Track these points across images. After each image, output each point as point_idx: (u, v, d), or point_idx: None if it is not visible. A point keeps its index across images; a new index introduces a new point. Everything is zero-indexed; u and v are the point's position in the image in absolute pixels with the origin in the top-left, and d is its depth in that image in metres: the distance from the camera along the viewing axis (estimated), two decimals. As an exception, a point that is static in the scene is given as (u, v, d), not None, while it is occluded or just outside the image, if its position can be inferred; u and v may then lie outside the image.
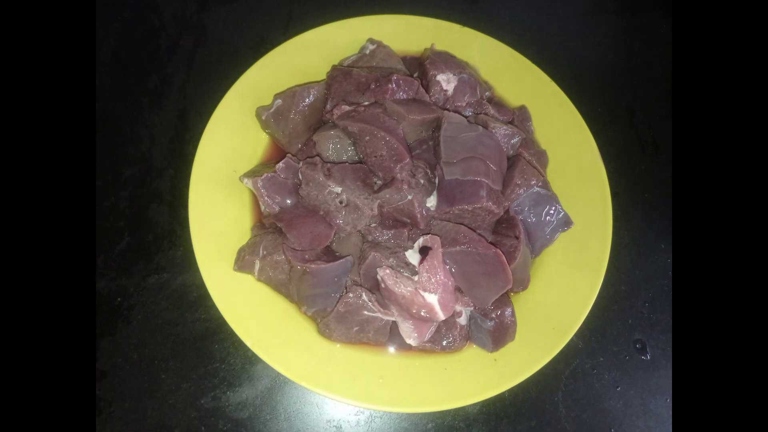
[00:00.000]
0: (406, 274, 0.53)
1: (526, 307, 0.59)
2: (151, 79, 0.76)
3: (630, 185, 0.76)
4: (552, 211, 0.61)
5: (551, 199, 0.61)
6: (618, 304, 0.68)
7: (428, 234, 0.55)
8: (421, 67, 0.66)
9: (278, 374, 0.58)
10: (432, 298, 0.51)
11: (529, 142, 0.64)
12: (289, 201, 0.59)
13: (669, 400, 0.64)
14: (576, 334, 0.63)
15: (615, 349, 0.66)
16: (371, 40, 0.68)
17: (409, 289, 0.51)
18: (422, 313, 0.52)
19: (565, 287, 0.59)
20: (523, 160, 0.61)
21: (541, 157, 0.64)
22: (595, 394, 0.63)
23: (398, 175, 0.56)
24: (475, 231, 0.55)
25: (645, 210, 0.74)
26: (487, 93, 0.68)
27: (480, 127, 0.60)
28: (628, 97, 0.83)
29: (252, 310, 0.55)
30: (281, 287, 0.56)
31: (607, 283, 0.66)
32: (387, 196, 0.55)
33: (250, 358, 0.59)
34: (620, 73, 0.85)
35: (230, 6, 0.83)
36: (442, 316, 0.52)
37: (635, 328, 0.67)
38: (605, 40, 0.88)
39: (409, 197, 0.54)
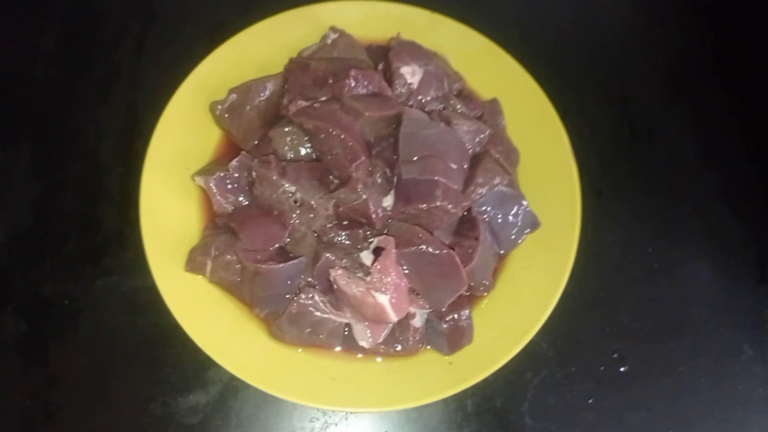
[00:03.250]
0: (359, 275, 0.69)
1: (487, 310, 0.76)
2: (98, 68, 0.93)
3: (618, 183, 0.92)
4: (517, 212, 0.77)
5: (517, 198, 0.78)
6: (595, 310, 0.84)
7: (383, 235, 0.71)
8: (384, 58, 0.83)
9: (231, 379, 0.75)
10: (383, 299, 0.68)
11: (497, 138, 0.80)
12: (242, 200, 0.76)
13: (645, 413, 0.80)
14: (546, 341, 0.81)
15: (589, 359, 0.82)
16: (333, 29, 0.84)
17: (360, 289, 0.68)
18: (374, 314, 0.68)
19: (527, 290, 0.76)
20: (489, 157, 0.77)
21: (511, 154, 0.81)
22: (566, 405, 0.79)
23: (354, 174, 0.72)
24: (431, 232, 0.72)
25: (632, 210, 0.90)
26: (456, 85, 0.85)
27: (441, 124, 0.76)
28: (622, 83, 0.99)
29: (204, 311, 0.72)
30: (234, 289, 0.73)
31: (584, 288, 0.84)
32: (342, 195, 0.72)
33: (202, 363, 0.76)
34: (615, 57, 1.01)
35: (183, -15, 1.00)
36: (394, 317, 0.69)
37: (613, 336, 0.83)
38: (601, 18, 1.04)
39: (364, 197, 0.71)
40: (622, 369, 0.82)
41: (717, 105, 0.99)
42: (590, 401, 0.80)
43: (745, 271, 0.88)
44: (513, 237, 0.78)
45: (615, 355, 0.82)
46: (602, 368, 0.82)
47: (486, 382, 0.77)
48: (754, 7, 1.06)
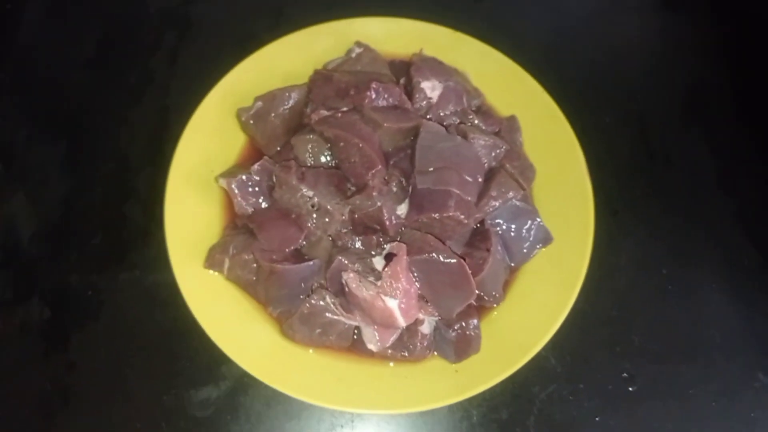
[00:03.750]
0: (371, 279, 0.71)
1: (496, 321, 0.77)
2: (133, 74, 0.98)
3: (633, 203, 0.93)
4: (531, 226, 0.79)
5: (530, 213, 0.79)
6: (606, 328, 0.84)
7: (396, 241, 0.73)
8: (406, 72, 0.86)
9: (242, 376, 0.77)
10: (393, 303, 0.69)
11: (513, 154, 0.82)
12: (262, 203, 0.79)
13: (652, 434, 0.80)
14: (555, 357, 0.81)
15: (598, 377, 0.82)
16: (358, 44, 0.88)
17: (370, 292, 0.70)
18: (383, 318, 0.70)
19: (536, 304, 0.77)
20: (504, 172, 0.79)
21: (526, 170, 0.82)
22: (572, 421, 0.79)
23: (370, 182, 0.75)
24: (443, 241, 0.74)
25: (647, 230, 0.91)
26: (475, 101, 0.87)
27: (458, 137, 0.78)
28: (640, 105, 1.00)
29: (220, 308, 0.74)
30: (249, 287, 0.76)
31: (596, 306, 0.85)
32: (358, 202, 0.74)
33: (215, 359, 0.78)
34: (635, 79, 1.03)
35: (217, 0, 1.05)
36: (402, 322, 0.70)
37: (623, 356, 0.83)
38: (623, 42, 1.06)
39: (379, 204, 0.73)
40: (631, 388, 0.82)
41: (735, 130, 0.99)
42: (597, 419, 0.80)
43: (760, 297, 0.88)
44: (525, 251, 0.79)
45: (624, 374, 0.82)
46: (611, 387, 0.81)
47: (492, 393, 0.78)
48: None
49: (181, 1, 1.05)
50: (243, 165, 0.83)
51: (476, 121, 0.84)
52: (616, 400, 0.81)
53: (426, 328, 0.74)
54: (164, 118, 0.94)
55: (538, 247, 0.80)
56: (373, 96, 0.79)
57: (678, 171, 0.96)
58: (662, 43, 1.08)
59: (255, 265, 0.74)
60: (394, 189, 0.76)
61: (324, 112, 0.79)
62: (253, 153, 0.85)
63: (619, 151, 0.96)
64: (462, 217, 0.73)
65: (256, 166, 0.78)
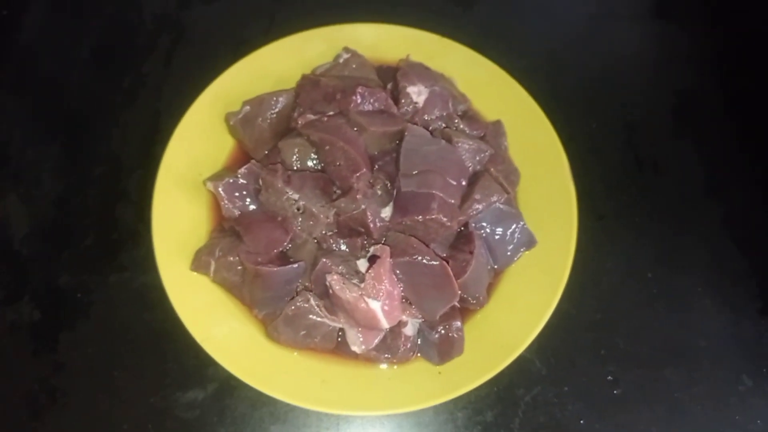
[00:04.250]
0: (355, 281, 0.71)
1: (480, 324, 0.77)
2: (127, 77, 0.99)
3: (620, 208, 0.93)
4: (515, 229, 0.79)
5: (514, 216, 0.79)
6: (592, 332, 0.84)
7: (380, 244, 0.73)
8: (393, 77, 0.86)
9: (229, 378, 0.77)
10: (375, 305, 0.69)
11: (498, 158, 0.83)
12: (249, 206, 0.79)
13: (636, 438, 0.79)
14: (540, 360, 0.81)
15: (583, 380, 0.82)
16: (346, 49, 0.88)
17: (354, 294, 0.70)
18: (366, 320, 0.70)
19: (520, 307, 0.77)
20: (488, 175, 0.80)
21: (511, 174, 0.83)
22: (556, 424, 0.79)
23: (355, 185, 0.75)
24: (427, 244, 0.74)
25: (634, 235, 0.91)
26: (461, 106, 0.87)
27: (442, 141, 0.79)
28: (630, 112, 1.00)
29: (206, 310, 0.75)
30: (235, 289, 0.76)
31: (581, 310, 0.85)
32: (342, 205, 0.75)
33: (202, 360, 0.78)
34: (625, 86, 1.03)
35: (211, 5, 1.06)
36: (385, 323, 0.70)
37: (608, 359, 0.83)
38: (613, 49, 1.06)
39: (363, 207, 0.73)
40: (615, 392, 0.81)
41: (724, 137, 0.99)
42: (581, 422, 0.79)
43: (746, 302, 0.88)
44: (509, 254, 0.79)
45: (609, 378, 0.82)
46: (595, 390, 0.81)
47: (477, 396, 0.79)
48: (763, 44, 1.07)
49: (175, 6, 1.06)
50: (231, 168, 0.83)
51: (461, 126, 0.84)
52: (600, 403, 0.81)
53: (409, 330, 0.74)
54: (156, 121, 0.95)
55: (521, 250, 0.80)
56: (359, 100, 0.79)
57: (666, 177, 0.96)
58: (654, 51, 1.08)
59: (240, 267, 0.74)
60: (379, 192, 0.76)
61: (310, 116, 0.80)
62: (242, 156, 0.86)
63: (607, 157, 0.96)
64: (445, 219, 0.73)
65: (242, 170, 0.78)
